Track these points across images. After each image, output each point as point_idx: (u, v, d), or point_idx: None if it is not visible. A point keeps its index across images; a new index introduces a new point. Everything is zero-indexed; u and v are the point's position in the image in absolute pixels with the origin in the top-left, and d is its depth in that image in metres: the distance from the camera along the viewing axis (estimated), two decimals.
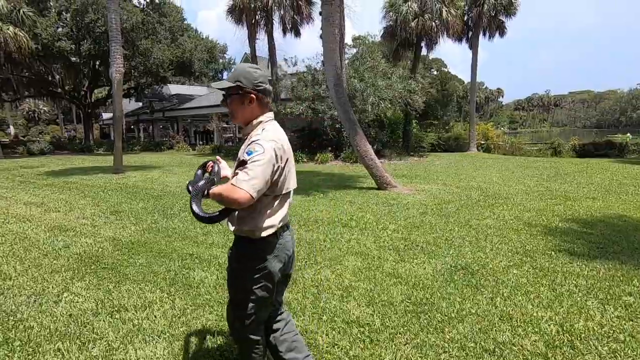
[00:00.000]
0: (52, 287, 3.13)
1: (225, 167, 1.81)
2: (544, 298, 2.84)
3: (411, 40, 16.55)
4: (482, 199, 6.64)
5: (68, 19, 20.31)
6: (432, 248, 4.02)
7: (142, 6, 23.51)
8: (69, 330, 2.46)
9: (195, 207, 1.52)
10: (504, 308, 2.68)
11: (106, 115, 34.60)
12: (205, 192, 1.55)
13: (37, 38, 18.97)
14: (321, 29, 7.93)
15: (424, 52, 18.98)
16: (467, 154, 18.25)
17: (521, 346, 2.23)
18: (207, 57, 27.02)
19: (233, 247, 1.69)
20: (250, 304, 1.62)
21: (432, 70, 45.83)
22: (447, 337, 2.33)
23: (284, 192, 1.61)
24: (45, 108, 52.98)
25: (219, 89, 1.66)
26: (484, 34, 19.11)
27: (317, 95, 14.17)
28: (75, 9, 19.58)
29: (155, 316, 2.63)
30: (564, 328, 2.41)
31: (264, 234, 1.56)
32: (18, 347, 2.26)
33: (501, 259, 3.68)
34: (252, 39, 16.01)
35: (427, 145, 18.30)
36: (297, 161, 14.12)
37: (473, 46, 18.95)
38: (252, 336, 1.69)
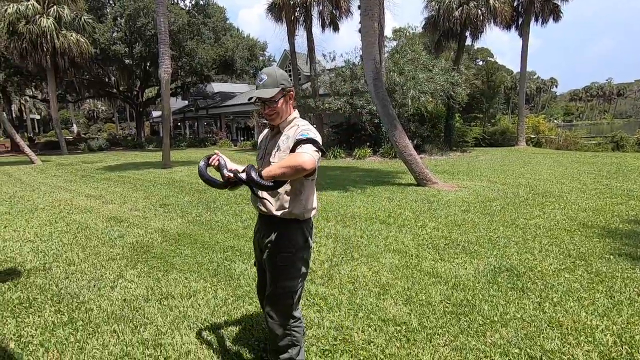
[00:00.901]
0: (109, 274, 3.40)
1: (227, 160, 1.81)
2: (599, 305, 2.63)
3: (455, 30, 15.84)
4: (531, 197, 6.25)
5: (122, 24, 21.77)
6: (475, 248, 3.86)
7: (187, 8, 24.62)
8: (123, 313, 2.67)
9: (254, 174, 1.54)
10: (553, 314, 2.52)
11: (156, 114, 36.74)
12: (253, 174, 1.55)
13: (96, 43, 20.56)
14: (360, 22, 7.83)
15: (468, 42, 18.10)
16: (515, 148, 17.22)
17: (572, 356, 2.08)
18: (248, 55, 27.70)
19: (273, 233, 1.78)
20: (297, 281, 1.82)
21: (478, 60, 43.61)
22: (489, 341, 2.24)
23: (316, 176, 1.82)
24: (103, 107, 57.41)
25: (267, 98, 1.69)
26: (536, 20, 17.81)
27: (356, 90, 14.04)
28: (128, 14, 20.92)
29: (199, 305, 2.77)
30: (623, 339, 2.22)
31: (309, 215, 1.80)
32: (80, 327, 2.50)
33: (551, 261, 3.45)
34: (291, 35, 16.16)
35: (471, 140, 17.49)
36: (334, 157, 14.15)
37: (523, 33, 17.73)
38: (295, 314, 1.86)
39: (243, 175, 1.58)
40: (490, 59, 40.87)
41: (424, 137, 14.85)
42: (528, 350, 2.14)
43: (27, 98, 34.92)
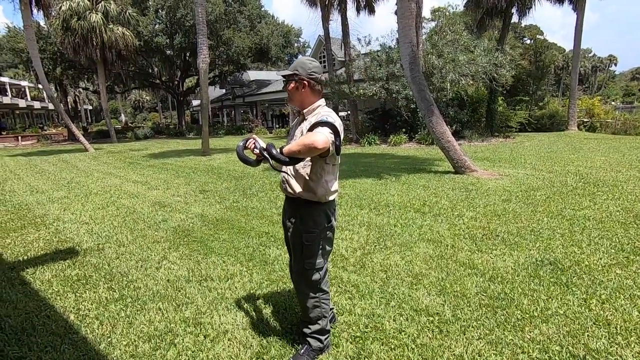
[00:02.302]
0: (154, 255, 3.64)
1: (260, 141, 1.97)
2: None
3: (500, 6, 14.82)
4: (581, 186, 5.83)
5: (163, 16, 22.56)
6: (515, 239, 3.68)
7: None
8: (167, 293, 2.85)
9: (274, 151, 1.73)
10: (601, 312, 2.37)
11: (195, 102, 38.08)
12: (273, 150, 1.74)
13: (140, 35, 21.50)
14: (396, 4, 7.54)
15: (514, 19, 16.91)
16: (565, 133, 16.03)
17: (620, 356, 1.96)
18: (283, 42, 27.74)
19: (298, 213, 1.95)
20: (321, 259, 1.98)
21: (525, 39, 40.67)
22: (527, 336, 2.15)
23: (338, 162, 1.96)
24: (147, 97, 60.35)
25: (281, 75, 1.93)
26: None
27: (392, 75, 13.64)
28: (169, 6, 21.62)
29: (235, 287, 2.90)
30: None
31: (331, 197, 1.94)
32: (130, 303, 2.71)
33: (601, 255, 3.23)
34: (325, 20, 15.91)
35: (515, 125, 16.48)
36: (369, 143, 13.95)
37: (578, 7, 16.24)
38: (323, 287, 2.03)
39: (273, 150, 1.75)
40: (540, 36, 37.90)
41: (464, 123, 14.21)
42: (570, 348, 2.04)
43: (81, 90, 37.47)
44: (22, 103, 33.46)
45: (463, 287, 2.76)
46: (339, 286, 2.84)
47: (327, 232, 1.98)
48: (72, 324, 2.47)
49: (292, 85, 1.89)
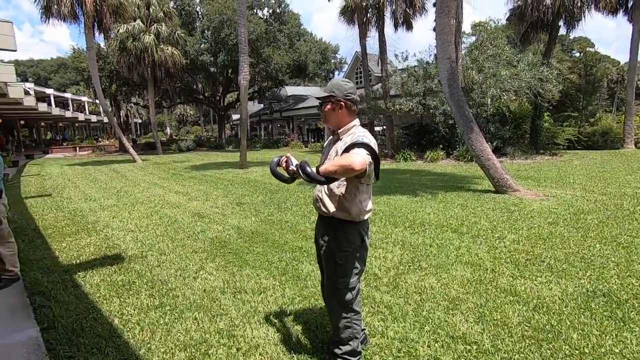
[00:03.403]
0: (192, 265, 3.78)
1: (293, 158, 1.97)
2: None
3: (545, 19, 14.25)
4: (639, 211, 5.36)
5: (208, 36, 23.92)
6: (563, 266, 3.44)
7: (265, 17, 26.10)
8: (203, 303, 2.95)
9: (308, 169, 1.72)
10: None
11: (235, 117, 39.64)
12: (307, 169, 1.73)
13: (187, 54, 22.91)
14: (435, 20, 7.50)
15: (562, 31, 16.17)
16: (621, 152, 14.87)
17: None
18: (320, 59, 28.34)
19: (332, 232, 1.95)
20: (354, 278, 1.96)
21: (574, 52, 38.66)
22: None
23: (373, 182, 1.93)
24: (191, 112, 63.63)
25: (316, 97, 1.99)
26: None
27: (429, 90, 13.46)
28: (214, 27, 22.93)
29: (268, 301, 2.94)
30: None
31: (365, 216, 1.93)
32: (168, 311, 2.83)
33: None
34: (362, 37, 16.11)
35: (563, 142, 15.53)
36: (405, 159, 13.75)
37: (634, 18, 15.23)
38: (356, 307, 2.01)
39: (307, 168, 1.75)
40: (590, 49, 35.87)
41: (505, 139, 13.63)
42: None
43: (132, 105, 40.34)
44: (81, 117, 36.52)
45: (504, 315, 2.61)
46: (371, 306, 2.79)
47: (361, 252, 1.97)
48: (115, 327, 2.61)
49: (328, 106, 1.92)
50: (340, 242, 1.93)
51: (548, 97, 12.63)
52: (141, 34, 19.62)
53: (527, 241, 4.18)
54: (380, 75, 16.28)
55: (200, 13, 25.66)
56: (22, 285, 3.40)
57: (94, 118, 40.40)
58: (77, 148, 27.67)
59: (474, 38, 17.31)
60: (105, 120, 38.27)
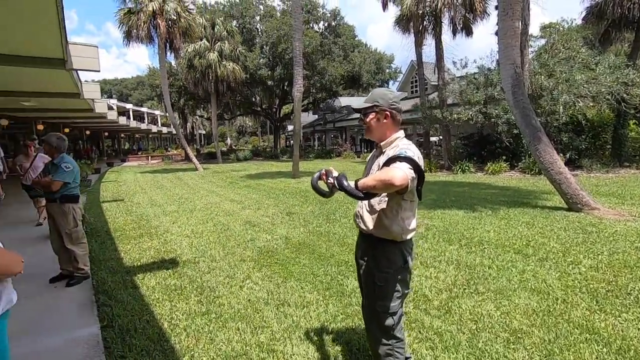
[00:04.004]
0: (239, 273, 3.85)
1: (334, 172, 1.87)
2: None
3: (631, 16, 12.68)
4: None
5: (267, 51, 25.07)
6: None
7: (321, 31, 26.71)
8: (247, 313, 2.96)
9: (345, 183, 1.64)
10: None
11: (290, 127, 40.79)
12: (344, 182, 1.65)
13: (246, 69, 24.21)
14: (497, 24, 7.03)
15: None
16: None
17: None
18: (375, 69, 28.22)
19: (371, 251, 1.84)
20: (396, 302, 1.80)
21: None
22: None
23: (417, 198, 1.77)
24: (250, 123, 66.94)
25: (361, 108, 1.84)
26: None
27: (490, 98, 12.63)
28: (272, 42, 24.00)
29: (310, 316, 2.87)
30: None
31: (408, 236, 1.78)
32: (213, 319, 2.88)
33: None
34: (418, 45, 15.71)
35: None
36: (462, 171, 12.98)
37: None
38: (397, 334, 1.84)
39: (344, 182, 1.66)
40: None
41: (581, 150, 12.23)
42: None
43: (197, 117, 43.54)
44: (154, 128, 40.25)
45: (578, 356, 2.24)
46: (419, 332, 2.58)
47: (403, 273, 1.82)
48: (164, 331, 2.72)
49: (372, 116, 1.81)
50: (379, 262, 1.80)
51: (635, 103, 11.13)
52: (206, 52, 21.16)
53: (608, 268, 3.63)
54: (437, 83, 15.69)
55: (259, 30, 27.03)
56: (91, 284, 3.72)
57: (164, 130, 44.28)
58: (149, 157, 30.42)
59: (543, 41, 15.97)
60: (174, 131, 41.80)
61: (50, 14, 4.12)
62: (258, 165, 21.34)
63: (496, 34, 7.68)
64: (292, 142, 40.49)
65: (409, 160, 1.59)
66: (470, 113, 12.69)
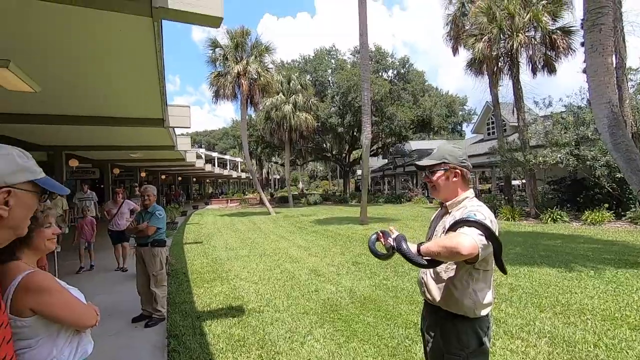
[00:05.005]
0: (302, 328, 3.75)
1: (394, 231, 1.76)
2: None
3: None
4: None
5: (337, 100, 26.32)
6: None
7: (390, 78, 27.38)
8: None
9: (404, 246, 1.54)
10: None
11: (360, 172, 41.10)
12: (403, 245, 1.55)
13: (318, 118, 25.56)
14: (584, 61, 6.44)
15: None
16: None
17: None
18: (446, 112, 27.61)
19: (439, 327, 1.62)
20: None
21: None
22: None
23: (493, 267, 1.58)
24: (320, 168, 69.34)
25: (426, 166, 1.71)
26: None
27: (583, 139, 11.30)
28: (342, 92, 25.21)
29: None
30: None
31: (483, 312, 1.55)
32: None
33: None
34: (493, 86, 15.06)
35: None
36: (553, 220, 11.48)
37: None
38: None
39: (403, 244, 1.55)
40: None
41: None
42: None
43: (272, 163, 46.54)
44: (234, 174, 43.94)
45: None
46: None
47: (478, 357, 1.56)
48: None
49: (440, 174, 1.67)
50: (449, 342, 1.57)
51: None
52: (282, 105, 22.98)
53: None
54: (517, 124, 14.62)
55: (331, 81, 28.71)
56: (165, 326, 3.95)
57: (243, 175, 47.96)
58: (229, 200, 32.89)
59: None
60: (251, 176, 45.14)
61: (154, 87, 4.91)
62: (327, 209, 21.59)
63: (584, 71, 7.02)
64: (361, 185, 40.63)
65: (479, 225, 1.41)
66: (559, 155, 11.44)
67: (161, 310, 4.12)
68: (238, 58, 18.32)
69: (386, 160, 36.51)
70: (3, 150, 0.95)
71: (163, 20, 2.81)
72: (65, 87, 4.96)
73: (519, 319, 3.75)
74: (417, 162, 1.75)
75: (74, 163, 11.33)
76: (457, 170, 1.66)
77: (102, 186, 15.61)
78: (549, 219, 11.59)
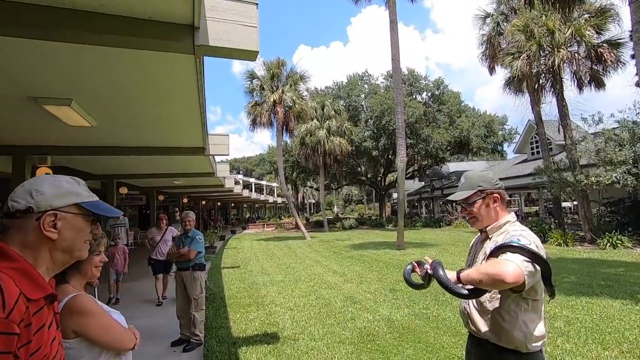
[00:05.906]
0: (337, 359, 3.62)
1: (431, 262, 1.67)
2: None
3: None
4: None
5: (371, 124, 26.42)
6: None
7: (424, 100, 27.17)
8: None
9: (440, 272, 1.46)
10: None
11: (396, 195, 40.35)
12: (440, 271, 1.47)
13: (352, 142, 25.71)
14: (637, 74, 6.03)
15: None
16: None
17: None
18: (485, 132, 26.73)
19: None
20: None
21: None
22: None
23: (542, 297, 1.46)
24: (355, 192, 68.96)
25: (462, 200, 1.63)
26: None
27: None
28: (376, 116, 25.31)
29: None
30: None
31: (535, 345, 1.42)
32: None
33: None
34: (535, 104, 14.43)
35: None
36: (613, 246, 10.47)
37: None
38: None
39: (439, 271, 1.47)
40: None
41: None
42: None
43: (307, 188, 47.04)
44: (270, 199, 44.85)
45: None
46: None
47: None
48: None
49: (479, 204, 1.57)
50: None
51: None
52: (316, 130, 23.42)
53: None
54: (564, 143, 13.80)
55: (364, 106, 28.99)
56: (202, 352, 3.98)
57: (279, 200, 48.79)
58: (265, 225, 33.40)
59: None
60: (287, 201, 45.83)
61: (196, 118, 5.24)
62: (363, 234, 21.23)
63: (638, 84, 6.55)
64: (397, 209, 39.73)
65: (524, 251, 1.31)
66: (615, 175, 10.58)
67: (199, 335, 4.17)
68: (274, 87, 19.11)
69: (423, 183, 35.63)
70: (53, 177, 1.02)
71: (205, 57, 3.02)
72: (117, 120, 5.41)
73: (579, 357, 3.37)
74: (450, 198, 1.68)
75: (123, 190, 12.14)
76: (496, 195, 1.58)
77: (147, 212, 16.50)
78: (608, 244, 10.58)
